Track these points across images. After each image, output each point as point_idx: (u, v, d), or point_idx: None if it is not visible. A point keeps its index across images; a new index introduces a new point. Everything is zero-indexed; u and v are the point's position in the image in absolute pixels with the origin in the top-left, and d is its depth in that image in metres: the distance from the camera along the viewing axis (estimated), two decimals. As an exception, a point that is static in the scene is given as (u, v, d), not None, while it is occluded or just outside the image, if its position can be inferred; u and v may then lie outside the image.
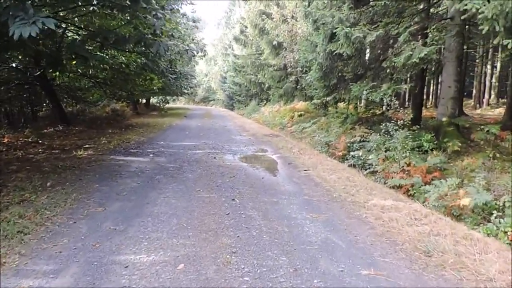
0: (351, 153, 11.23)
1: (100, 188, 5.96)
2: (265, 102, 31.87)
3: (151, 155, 9.29)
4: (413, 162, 8.67)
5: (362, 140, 11.91)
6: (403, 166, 8.65)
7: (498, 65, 28.14)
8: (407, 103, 26.56)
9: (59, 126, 15.20)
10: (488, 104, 26.73)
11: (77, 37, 7.40)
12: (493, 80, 28.14)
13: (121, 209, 5.00)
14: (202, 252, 3.70)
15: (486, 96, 27.26)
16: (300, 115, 20.58)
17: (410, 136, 8.89)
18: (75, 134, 13.75)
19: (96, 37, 7.56)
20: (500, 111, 21.99)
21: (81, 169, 7.34)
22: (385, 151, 9.65)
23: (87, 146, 10.61)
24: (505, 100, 28.72)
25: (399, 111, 20.11)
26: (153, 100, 38.19)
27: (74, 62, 9.31)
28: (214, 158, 9.15)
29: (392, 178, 8.56)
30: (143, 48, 7.80)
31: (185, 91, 44.37)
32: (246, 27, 31.81)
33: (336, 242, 4.06)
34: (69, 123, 15.96)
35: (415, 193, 7.75)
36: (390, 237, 4.21)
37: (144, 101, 34.42)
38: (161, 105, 35.29)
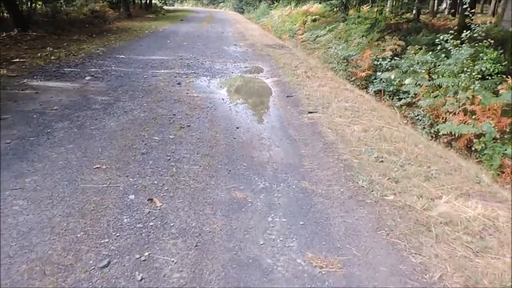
0: (379, 74, 8.06)
1: None
2: (276, 4, 27.62)
3: (88, 77, 6.30)
4: (479, 97, 5.59)
5: (394, 56, 8.65)
6: (464, 103, 5.59)
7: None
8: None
9: (15, 31, 12.12)
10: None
11: None
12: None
13: None
14: None
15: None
16: (314, 20, 16.89)
17: (485, 57, 5.69)
18: (27, 42, 10.71)
19: None
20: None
21: None
22: (430, 77, 6.47)
23: (16, 60, 7.64)
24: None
25: (436, 16, 16.30)
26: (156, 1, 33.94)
27: None
28: (179, 84, 6.15)
29: (444, 120, 5.58)
30: None
31: (188, -10, 39.70)
32: None
33: None
34: (26, 27, 12.78)
35: (483, 149, 4.78)
36: None
37: (143, 2, 30.42)
38: (158, 7, 31.01)
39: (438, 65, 6.31)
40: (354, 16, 14.61)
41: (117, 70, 6.99)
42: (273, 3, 29.23)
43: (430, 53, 6.32)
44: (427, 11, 20.62)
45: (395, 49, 9.00)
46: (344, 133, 4.09)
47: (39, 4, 16.51)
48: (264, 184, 3.00)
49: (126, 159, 3.27)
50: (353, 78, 8.89)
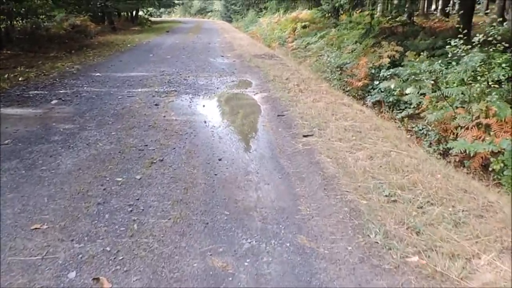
0: (377, 83, 7.49)
1: None
2: (264, 12, 27.18)
3: (54, 101, 5.63)
4: (493, 108, 4.98)
5: (393, 63, 8.07)
6: (477, 116, 4.97)
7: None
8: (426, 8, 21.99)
9: (-11, 50, 11.44)
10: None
11: None
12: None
13: None
14: None
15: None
16: (304, 27, 16.39)
17: (502, 64, 5.10)
18: (0, 62, 10.02)
19: None
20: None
21: None
22: (437, 87, 5.86)
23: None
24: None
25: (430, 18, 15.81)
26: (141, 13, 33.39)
27: None
28: (156, 105, 5.49)
29: (456, 137, 4.96)
30: None
31: (175, 1, 39.16)
32: None
33: None
34: (1, 46, 12.08)
35: (502, 169, 4.14)
36: None
37: (129, 14, 29.79)
38: (144, 19, 30.41)
39: (446, 73, 5.70)
40: (345, 22, 14.09)
41: (89, 91, 6.32)
42: (261, 11, 28.79)
43: (439, 61, 5.68)
44: (417, 13, 20.18)
45: (393, 56, 8.41)
46: (346, 162, 3.43)
47: (19, 21, 15.80)
48: (250, 242, 2.34)
49: (75, 213, 2.59)
50: (348, 88, 8.31)
